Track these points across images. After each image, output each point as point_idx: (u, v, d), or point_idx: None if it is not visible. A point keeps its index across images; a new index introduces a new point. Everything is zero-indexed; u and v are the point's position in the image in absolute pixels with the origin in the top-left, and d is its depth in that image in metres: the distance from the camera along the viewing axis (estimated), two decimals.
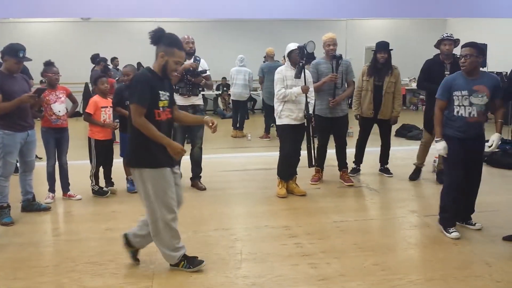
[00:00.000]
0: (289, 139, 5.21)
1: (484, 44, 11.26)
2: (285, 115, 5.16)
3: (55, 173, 5.20)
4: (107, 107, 5.35)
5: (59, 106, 5.06)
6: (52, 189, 5.21)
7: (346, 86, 5.71)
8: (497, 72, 10.96)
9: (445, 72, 5.45)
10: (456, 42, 5.55)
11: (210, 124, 3.44)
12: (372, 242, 4.10)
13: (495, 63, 10.82)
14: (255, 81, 10.23)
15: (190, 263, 3.50)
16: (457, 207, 4.16)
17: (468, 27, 12.69)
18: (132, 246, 3.59)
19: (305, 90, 5.01)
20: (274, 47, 9.65)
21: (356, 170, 6.26)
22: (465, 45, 3.99)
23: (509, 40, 10.94)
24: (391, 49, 5.90)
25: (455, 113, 4.02)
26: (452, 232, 4.06)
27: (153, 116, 3.23)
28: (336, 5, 6.93)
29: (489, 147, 3.99)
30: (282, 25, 13.03)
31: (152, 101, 3.22)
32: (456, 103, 3.99)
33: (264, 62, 10.16)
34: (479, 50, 3.93)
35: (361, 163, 6.27)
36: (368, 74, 5.93)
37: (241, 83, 9.53)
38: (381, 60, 5.83)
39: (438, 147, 4.07)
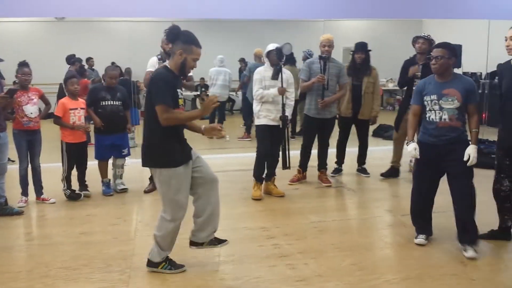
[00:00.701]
0: (266, 140, 5.19)
1: (459, 45, 11.46)
2: (263, 116, 5.15)
3: (28, 176, 5.09)
4: (76, 108, 5.21)
5: (31, 108, 4.94)
6: (25, 193, 5.09)
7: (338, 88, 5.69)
8: (471, 73, 11.18)
9: (417, 73, 5.57)
10: (431, 42, 5.61)
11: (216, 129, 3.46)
12: (349, 242, 4.11)
13: (470, 64, 11.00)
14: (234, 82, 10.20)
15: (172, 265, 3.47)
16: (422, 214, 3.99)
17: (443, 28, 12.88)
18: (202, 243, 3.53)
19: (281, 91, 5.00)
20: (253, 48, 9.63)
21: (338, 170, 6.29)
22: (437, 46, 3.83)
23: (484, 41, 11.16)
24: (370, 50, 5.94)
25: (427, 117, 3.81)
26: (417, 237, 3.98)
27: None
28: (314, 6, 6.97)
29: (466, 161, 3.64)
30: (261, 25, 13.02)
31: (173, 100, 3.24)
32: (427, 108, 3.80)
33: (241, 64, 10.16)
34: (450, 51, 3.72)
35: (343, 163, 6.29)
36: (346, 74, 5.94)
37: (221, 83, 9.48)
38: (358, 61, 5.87)
39: (408, 149, 3.91)
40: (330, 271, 3.50)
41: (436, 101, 3.73)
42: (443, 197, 3.93)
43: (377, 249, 3.99)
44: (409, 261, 3.69)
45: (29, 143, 4.99)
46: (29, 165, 5.06)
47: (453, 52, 3.76)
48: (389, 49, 13.47)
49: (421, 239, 3.95)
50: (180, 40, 3.24)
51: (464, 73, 11.69)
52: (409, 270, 3.51)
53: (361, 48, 5.91)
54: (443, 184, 3.87)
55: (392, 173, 6.13)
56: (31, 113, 4.94)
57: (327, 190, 5.69)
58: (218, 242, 3.59)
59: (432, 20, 12.44)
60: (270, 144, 5.19)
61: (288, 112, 5.14)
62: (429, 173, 3.86)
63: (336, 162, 6.27)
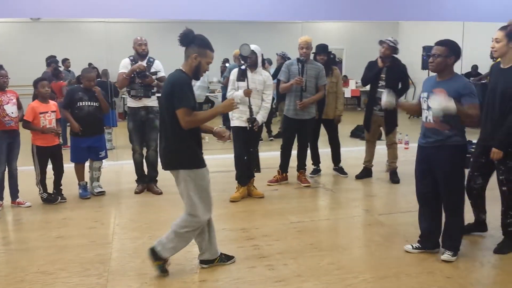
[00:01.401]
0: (240, 141, 5.18)
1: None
2: (236, 117, 5.16)
3: (4, 179, 4.99)
4: (47, 112, 5.10)
5: (12, 108, 4.91)
6: (0, 197, 4.99)
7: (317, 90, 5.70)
8: None
9: (381, 75, 5.75)
10: (395, 48, 5.75)
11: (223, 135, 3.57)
12: (328, 241, 4.15)
13: None
14: (211, 83, 10.18)
15: (164, 266, 3.45)
16: (426, 224, 3.82)
17: (419, 30, 13.09)
18: (214, 259, 3.61)
19: (246, 93, 4.93)
20: (231, 49, 9.62)
21: (316, 171, 6.33)
22: (437, 43, 3.58)
23: (458, 42, 11.35)
24: (330, 52, 6.05)
25: (422, 118, 3.69)
26: (410, 244, 3.89)
27: None
28: (292, 8, 7.02)
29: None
30: (239, 27, 13.00)
31: (194, 102, 3.34)
32: (422, 106, 3.69)
33: (222, 65, 10.14)
34: (451, 50, 3.52)
35: (319, 163, 6.34)
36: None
37: (199, 84, 9.44)
38: (320, 62, 5.91)
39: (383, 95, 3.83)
40: (309, 271, 3.53)
41: (426, 99, 3.61)
42: None
43: (355, 248, 4.03)
44: (386, 260, 3.74)
45: (9, 145, 4.92)
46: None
47: (455, 50, 3.55)
48: (366, 51, 13.61)
49: (409, 246, 3.87)
50: (195, 44, 3.31)
51: None
52: (386, 269, 3.56)
53: (323, 50, 6.03)
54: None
55: (365, 173, 6.20)
56: (12, 112, 4.90)
57: (306, 190, 5.73)
58: (227, 258, 3.66)
59: (408, 22, 12.63)
60: (243, 146, 5.18)
61: (262, 115, 5.12)
62: (422, 175, 3.75)
63: (312, 163, 6.31)
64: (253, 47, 5.09)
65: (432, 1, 7.44)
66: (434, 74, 3.68)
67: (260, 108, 5.15)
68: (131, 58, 5.44)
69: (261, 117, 5.12)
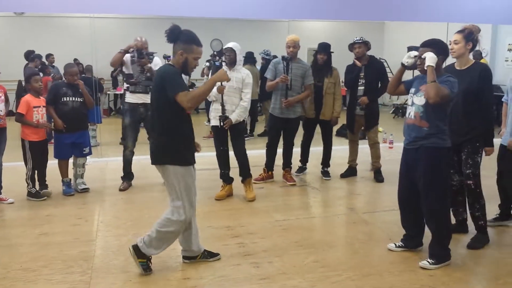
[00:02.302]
0: (220, 140, 5.18)
1: (419, 47, 11.78)
2: (213, 116, 5.14)
3: None
4: (39, 106, 5.10)
5: (0, 105, 4.84)
6: None
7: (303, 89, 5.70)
8: None
9: (360, 73, 5.84)
10: (367, 44, 5.88)
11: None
12: (312, 239, 4.17)
13: None
14: (198, 81, 10.15)
15: (149, 263, 3.44)
16: (407, 225, 3.86)
17: (404, 30, 13.22)
18: (196, 256, 3.62)
19: (219, 90, 4.89)
20: None
21: (302, 169, 6.35)
22: (425, 45, 3.56)
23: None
24: (332, 52, 6.01)
25: (406, 115, 3.69)
26: (392, 243, 3.94)
27: (183, 110, 3.25)
28: (279, 6, 7.00)
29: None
30: (226, 24, 13.00)
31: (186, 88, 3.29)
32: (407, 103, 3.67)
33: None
34: (439, 49, 3.50)
35: (307, 162, 6.35)
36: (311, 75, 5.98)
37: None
38: (320, 62, 5.92)
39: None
40: (294, 268, 3.55)
41: (412, 95, 3.60)
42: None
43: (340, 246, 4.06)
44: (370, 257, 3.78)
45: None
46: None
47: (442, 49, 3.54)
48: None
49: (393, 244, 3.91)
50: (181, 40, 3.27)
51: None
52: (370, 267, 3.59)
53: (324, 49, 5.96)
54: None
55: (350, 172, 6.25)
56: (0, 110, 4.84)
57: (291, 188, 5.75)
58: (210, 255, 3.66)
59: (393, 22, 12.75)
60: (221, 144, 5.18)
61: (237, 113, 5.01)
62: (405, 176, 3.72)
63: (300, 161, 6.33)
64: (231, 44, 5.07)
65: (418, 2, 7.49)
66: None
67: (236, 107, 5.05)
68: (132, 55, 5.36)
69: (235, 115, 5.00)
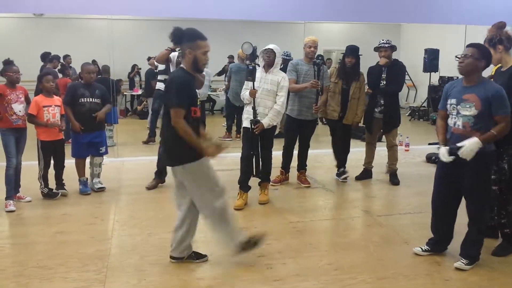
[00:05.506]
0: (248, 143, 5.00)
1: (437, 50, 11.65)
2: (245, 118, 5.08)
3: (15, 173, 4.98)
4: (51, 106, 5.13)
5: (19, 106, 4.93)
6: (11, 194, 4.95)
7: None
8: (448, 77, 11.37)
9: (383, 75, 5.80)
10: (393, 48, 5.85)
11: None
12: (326, 242, 4.16)
13: (448, 68, 11.20)
14: (213, 82, 10.20)
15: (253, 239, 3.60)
16: (439, 229, 3.81)
17: (421, 32, 13.09)
18: (182, 257, 3.63)
19: (251, 94, 4.85)
20: (234, 48, 9.61)
21: (343, 172, 6.14)
22: (468, 45, 3.48)
23: (461, 45, 11.33)
24: (361, 55, 5.86)
25: (449, 122, 3.61)
26: (419, 246, 3.88)
27: (190, 113, 3.28)
28: (295, 8, 7.03)
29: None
30: (242, 26, 13.01)
31: (191, 100, 3.31)
32: (448, 111, 3.59)
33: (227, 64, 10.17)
34: (482, 53, 3.42)
35: (345, 162, 6.17)
36: (337, 76, 5.85)
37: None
38: (348, 65, 5.79)
39: (440, 155, 3.57)
40: (307, 270, 3.53)
41: (455, 106, 3.51)
42: (420, 197, 3.98)
43: (354, 249, 4.02)
44: (385, 261, 3.74)
45: (16, 140, 4.94)
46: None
47: (485, 54, 3.45)
48: (368, 52, 13.65)
49: (419, 248, 3.86)
50: (185, 40, 3.31)
51: (441, 77, 11.93)
52: (384, 270, 3.56)
53: (352, 52, 5.81)
54: (420, 184, 3.91)
55: (365, 175, 6.20)
56: (20, 111, 4.92)
57: (306, 190, 5.73)
58: (197, 257, 3.66)
59: (410, 24, 12.64)
60: (250, 148, 5.00)
61: (269, 117, 4.92)
62: (443, 181, 3.68)
63: (336, 166, 6.19)
64: (272, 46, 5.03)
65: (435, 4, 7.44)
66: (456, 80, 3.66)
67: (269, 110, 4.96)
68: (178, 54, 5.17)
69: (268, 120, 4.91)
